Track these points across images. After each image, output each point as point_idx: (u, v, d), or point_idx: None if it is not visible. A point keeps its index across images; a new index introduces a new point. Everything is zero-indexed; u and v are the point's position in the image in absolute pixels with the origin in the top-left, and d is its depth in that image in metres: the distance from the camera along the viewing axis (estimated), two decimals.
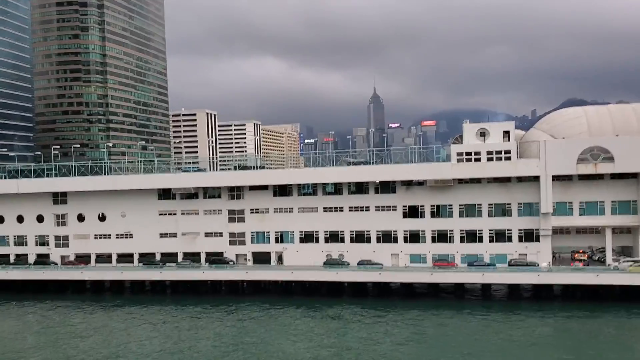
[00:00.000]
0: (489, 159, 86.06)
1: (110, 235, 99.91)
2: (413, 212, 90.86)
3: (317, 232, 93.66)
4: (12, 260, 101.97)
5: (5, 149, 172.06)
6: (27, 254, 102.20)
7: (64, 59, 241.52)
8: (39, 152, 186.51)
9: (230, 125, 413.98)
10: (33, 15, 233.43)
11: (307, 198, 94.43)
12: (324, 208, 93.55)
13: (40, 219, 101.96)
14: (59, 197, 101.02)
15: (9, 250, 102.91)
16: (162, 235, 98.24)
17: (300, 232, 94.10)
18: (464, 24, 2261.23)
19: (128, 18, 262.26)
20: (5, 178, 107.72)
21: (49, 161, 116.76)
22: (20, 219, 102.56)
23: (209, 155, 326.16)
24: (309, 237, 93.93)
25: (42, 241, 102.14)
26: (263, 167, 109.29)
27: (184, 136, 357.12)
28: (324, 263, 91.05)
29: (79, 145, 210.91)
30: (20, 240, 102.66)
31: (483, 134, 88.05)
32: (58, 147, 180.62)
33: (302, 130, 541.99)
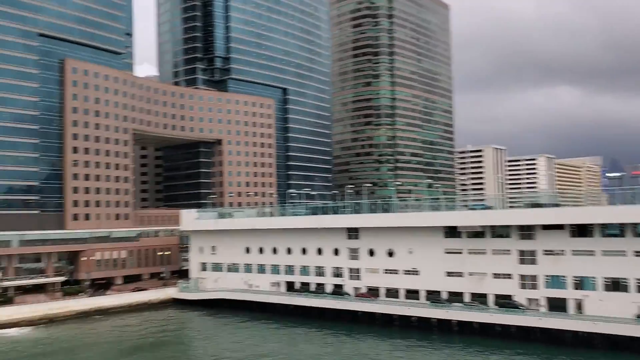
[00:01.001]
0: None
1: (397, 270, 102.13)
2: None
3: (627, 279, 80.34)
4: (311, 289, 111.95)
5: (310, 189, 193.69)
6: (324, 284, 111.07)
7: (357, 105, 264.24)
8: (336, 191, 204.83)
9: (520, 160, 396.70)
10: (332, 68, 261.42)
11: (612, 240, 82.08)
12: (635, 252, 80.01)
13: (336, 252, 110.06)
14: (353, 233, 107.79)
15: (310, 279, 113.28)
16: (448, 274, 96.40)
17: (605, 278, 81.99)
18: None
19: (416, 62, 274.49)
20: (308, 214, 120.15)
21: (343, 199, 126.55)
22: (319, 251, 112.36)
23: (497, 191, 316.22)
24: (615, 285, 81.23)
25: (337, 273, 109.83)
26: (557, 205, 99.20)
27: (470, 173, 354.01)
28: (638, 316, 77.34)
29: (370, 184, 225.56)
30: (320, 271, 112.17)
31: None
32: (352, 186, 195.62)
33: (605, 163, 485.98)
